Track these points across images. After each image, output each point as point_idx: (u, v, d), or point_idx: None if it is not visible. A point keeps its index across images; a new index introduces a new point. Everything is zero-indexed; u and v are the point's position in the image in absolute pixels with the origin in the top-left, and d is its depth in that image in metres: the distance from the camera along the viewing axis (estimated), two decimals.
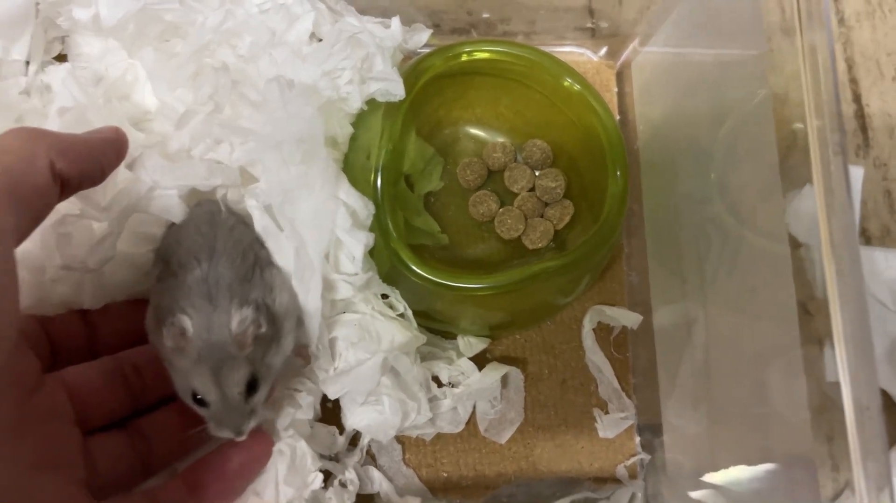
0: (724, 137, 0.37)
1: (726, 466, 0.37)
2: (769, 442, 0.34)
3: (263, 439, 0.34)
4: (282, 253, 0.35)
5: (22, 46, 0.40)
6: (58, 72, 0.40)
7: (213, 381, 0.30)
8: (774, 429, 0.33)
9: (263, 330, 0.31)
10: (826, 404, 0.31)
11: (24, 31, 0.40)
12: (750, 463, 0.35)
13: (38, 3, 0.40)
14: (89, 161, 0.29)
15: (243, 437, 0.31)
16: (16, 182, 0.25)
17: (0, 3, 0.39)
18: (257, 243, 0.34)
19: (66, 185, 0.28)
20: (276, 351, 0.32)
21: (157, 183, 0.33)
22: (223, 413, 0.30)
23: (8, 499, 0.24)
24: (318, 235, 0.34)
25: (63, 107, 0.35)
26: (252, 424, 0.31)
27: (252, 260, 0.33)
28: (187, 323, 0.29)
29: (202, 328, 0.30)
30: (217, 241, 0.32)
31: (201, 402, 0.30)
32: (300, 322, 0.34)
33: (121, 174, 0.33)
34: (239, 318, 0.30)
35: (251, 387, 0.31)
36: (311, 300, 0.34)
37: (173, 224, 0.34)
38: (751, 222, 0.35)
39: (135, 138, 0.35)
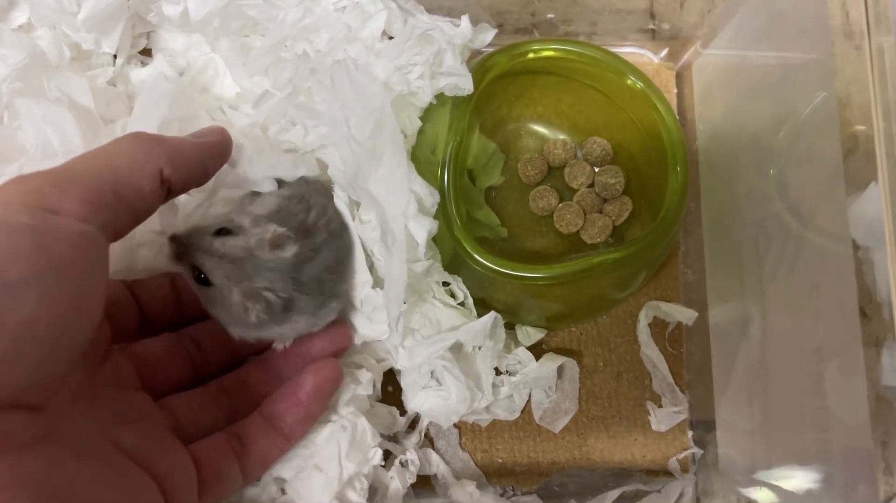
0: (785, 139, 0.38)
1: (780, 464, 0.37)
2: (826, 441, 0.34)
3: (333, 364, 0.35)
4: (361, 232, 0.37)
5: (112, 41, 0.42)
6: (145, 68, 0.43)
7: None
8: (832, 429, 0.33)
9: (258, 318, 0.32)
10: (882, 407, 0.31)
11: (116, 26, 0.42)
12: (805, 461, 0.35)
13: (129, 0, 0.42)
14: (196, 166, 0.31)
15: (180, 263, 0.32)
16: (121, 182, 0.27)
17: None
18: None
19: (172, 189, 0.30)
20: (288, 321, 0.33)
21: (247, 173, 0.35)
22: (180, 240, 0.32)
23: (97, 447, 0.26)
24: (395, 202, 0.35)
25: (156, 95, 0.37)
26: (203, 258, 0.32)
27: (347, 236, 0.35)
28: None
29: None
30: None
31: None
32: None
33: None
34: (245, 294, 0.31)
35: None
36: (395, 266, 0.35)
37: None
38: (812, 222, 0.35)
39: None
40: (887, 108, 0.32)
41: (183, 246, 0.32)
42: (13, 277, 0.22)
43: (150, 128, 0.36)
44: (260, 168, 0.35)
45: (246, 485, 0.33)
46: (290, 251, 0.32)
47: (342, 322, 0.37)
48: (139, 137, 0.29)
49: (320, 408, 0.35)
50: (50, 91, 0.38)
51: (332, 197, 0.37)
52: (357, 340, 0.38)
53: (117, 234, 0.27)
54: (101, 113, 0.39)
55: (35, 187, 0.24)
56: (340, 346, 0.37)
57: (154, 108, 0.36)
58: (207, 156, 0.31)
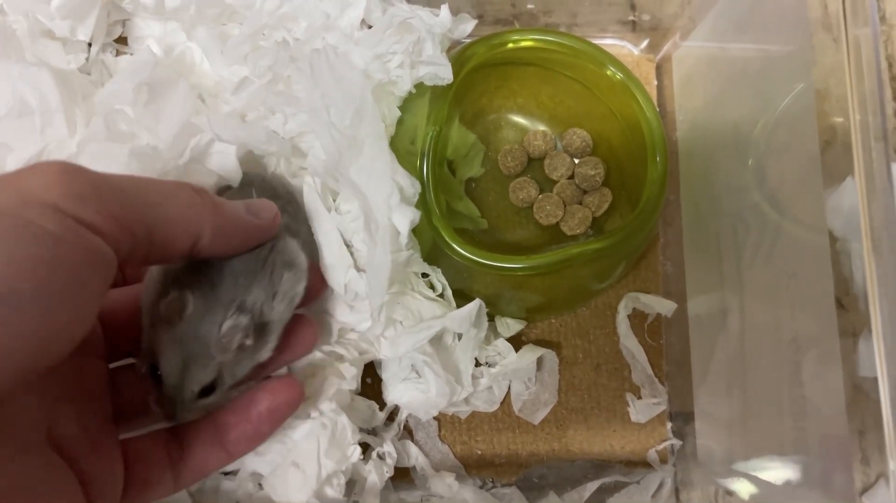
0: (764, 130, 0.38)
1: (758, 454, 0.37)
2: (803, 431, 0.34)
3: (293, 385, 0.33)
4: (328, 231, 0.36)
5: (87, 28, 0.42)
6: (121, 57, 0.42)
7: (178, 370, 0.29)
8: (809, 419, 0.34)
9: (249, 342, 0.30)
10: (858, 398, 0.31)
11: (90, 14, 0.41)
12: (782, 452, 0.35)
13: None
14: (230, 245, 0.30)
15: (175, 422, 0.30)
16: (160, 229, 0.26)
17: None
18: (286, 234, 0.33)
19: (194, 256, 0.28)
20: (250, 360, 0.31)
21: (218, 136, 0.34)
22: (168, 400, 0.30)
23: (34, 429, 0.25)
24: (377, 191, 0.35)
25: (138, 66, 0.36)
26: (188, 418, 0.30)
27: (266, 252, 0.31)
28: (189, 303, 0.29)
29: (197, 314, 0.29)
30: None
31: (156, 377, 0.29)
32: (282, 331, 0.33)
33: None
34: (231, 324, 0.29)
35: (207, 390, 0.30)
36: (378, 254, 0.34)
37: (228, 190, 0.35)
38: (790, 212, 0.35)
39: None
40: (863, 101, 0.32)
41: (172, 403, 0.30)
42: (25, 288, 0.21)
43: (127, 91, 0.35)
44: (233, 134, 0.35)
45: (178, 491, 0.31)
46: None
47: (293, 381, 0.34)
48: (200, 194, 0.28)
49: (271, 429, 0.33)
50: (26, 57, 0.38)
51: (286, 197, 0.36)
52: (335, 327, 0.38)
53: (123, 265, 0.26)
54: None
55: (78, 191, 0.23)
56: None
57: (133, 77, 0.35)
58: (248, 238, 0.30)
